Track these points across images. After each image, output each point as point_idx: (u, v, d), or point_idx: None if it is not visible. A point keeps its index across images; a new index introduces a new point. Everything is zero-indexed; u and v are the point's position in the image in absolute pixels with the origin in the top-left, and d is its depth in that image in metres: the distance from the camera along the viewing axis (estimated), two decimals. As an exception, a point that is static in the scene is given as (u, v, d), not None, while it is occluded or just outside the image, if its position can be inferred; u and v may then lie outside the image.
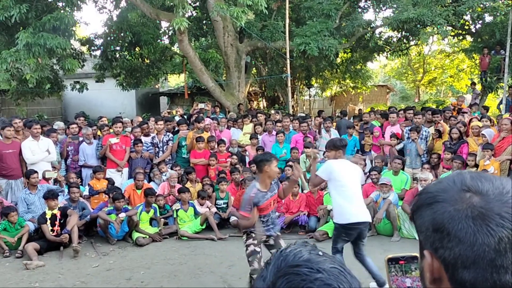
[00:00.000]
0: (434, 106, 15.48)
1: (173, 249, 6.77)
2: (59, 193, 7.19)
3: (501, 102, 14.13)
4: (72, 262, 6.22)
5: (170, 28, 14.38)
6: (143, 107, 20.56)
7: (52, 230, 6.61)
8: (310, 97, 24.37)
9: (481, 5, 13.68)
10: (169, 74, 20.39)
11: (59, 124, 9.54)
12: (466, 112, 10.17)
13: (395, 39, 17.53)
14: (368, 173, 8.01)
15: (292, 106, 15.90)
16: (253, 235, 4.52)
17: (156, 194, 7.58)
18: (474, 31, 16.33)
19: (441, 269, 0.78)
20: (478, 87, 15.50)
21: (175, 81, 29.40)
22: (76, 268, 5.99)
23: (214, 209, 7.71)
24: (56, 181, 7.81)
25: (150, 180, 8.40)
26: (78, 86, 15.00)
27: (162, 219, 7.53)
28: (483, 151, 7.13)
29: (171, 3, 10.86)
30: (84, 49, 15.53)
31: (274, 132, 9.33)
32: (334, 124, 10.56)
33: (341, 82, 22.17)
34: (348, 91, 23.66)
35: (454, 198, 0.78)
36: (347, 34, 14.19)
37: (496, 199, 0.76)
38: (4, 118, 8.53)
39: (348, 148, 9.30)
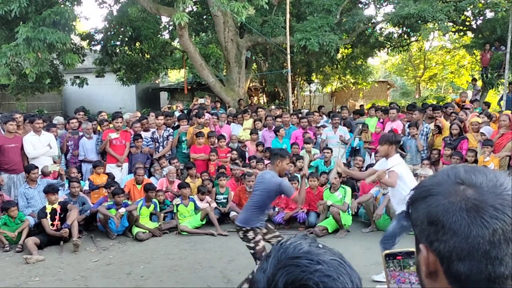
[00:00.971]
0: (434, 102, 15.47)
1: (173, 244, 6.79)
2: (60, 188, 7.21)
3: (501, 99, 14.13)
4: (72, 256, 6.24)
5: (171, 23, 14.35)
6: (143, 102, 20.54)
7: (52, 225, 6.63)
8: (310, 92, 24.34)
9: (482, 1, 13.66)
10: (169, 69, 20.38)
11: (59, 119, 9.55)
12: (468, 108, 10.18)
13: (395, 35, 17.50)
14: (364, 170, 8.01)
15: (293, 102, 15.87)
16: (258, 230, 4.50)
17: (156, 189, 7.59)
18: (475, 27, 16.30)
19: (437, 262, 0.78)
20: (479, 83, 15.49)
21: (176, 76, 29.36)
22: (76, 262, 6.01)
23: (214, 204, 7.73)
24: (56, 175, 7.83)
25: (150, 175, 8.41)
26: (78, 81, 14.98)
27: (162, 214, 7.54)
28: (483, 148, 7.13)
29: (171, -2, 10.84)
30: (84, 44, 15.49)
31: (273, 128, 9.33)
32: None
33: (342, 78, 22.12)
34: (349, 87, 23.61)
35: (448, 191, 0.79)
36: (348, 30, 14.17)
37: (489, 191, 0.76)
38: (7, 114, 8.52)
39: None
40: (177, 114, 10.85)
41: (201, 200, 7.70)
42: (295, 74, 19.19)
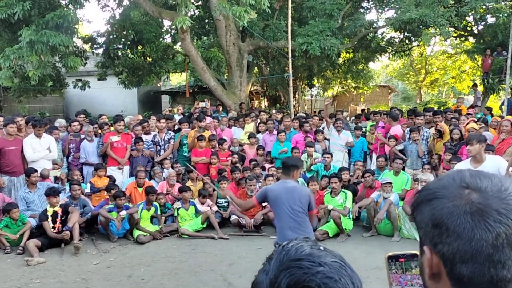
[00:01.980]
0: (435, 107, 15.47)
1: (173, 247, 6.79)
2: (61, 191, 7.22)
3: (503, 103, 14.12)
4: (73, 259, 6.25)
5: (173, 26, 14.39)
6: (145, 105, 20.59)
7: (54, 227, 6.64)
8: (311, 97, 24.37)
9: (484, 6, 13.67)
10: (171, 73, 20.40)
11: (60, 122, 9.56)
12: (470, 114, 10.18)
13: (397, 40, 17.52)
14: (363, 176, 8.03)
15: (294, 106, 15.89)
16: None
17: (157, 193, 7.60)
18: (476, 32, 16.31)
19: (440, 264, 0.80)
20: (480, 88, 15.49)
21: (177, 79, 29.42)
22: (77, 265, 6.02)
23: (215, 208, 7.74)
24: (57, 178, 7.84)
25: (150, 178, 8.42)
26: (80, 84, 15.02)
27: (163, 217, 7.55)
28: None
29: (174, 2, 10.88)
30: (86, 47, 15.55)
31: (275, 132, 9.34)
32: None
33: (343, 82, 22.16)
34: (350, 91, 23.65)
35: (453, 194, 0.80)
36: (349, 34, 14.19)
37: (494, 196, 0.77)
38: (9, 116, 8.53)
39: (356, 150, 9.35)
40: (177, 117, 10.87)
41: (202, 203, 7.70)
42: (297, 78, 19.22)
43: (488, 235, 0.74)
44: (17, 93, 13.54)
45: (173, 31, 16.13)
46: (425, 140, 8.45)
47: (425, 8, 12.16)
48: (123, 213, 7.03)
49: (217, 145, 8.90)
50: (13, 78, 11.92)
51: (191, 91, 17.33)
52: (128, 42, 15.34)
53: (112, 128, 8.70)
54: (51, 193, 6.69)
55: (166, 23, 15.84)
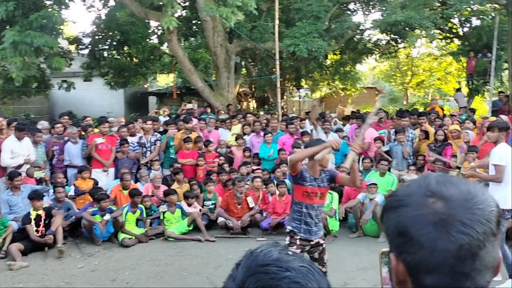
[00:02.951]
0: (422, 109, 15.62)
1: (159, 250, 6.73)
2: (44, 193, 7.11)
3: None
4: (56, 262, 6.16)
5: (159, 27, 14.33)
6: (131, 107, 20.43)
7: (37, 231, 6.53)
8: (299, 98, 24.44)
9: (469, 9, 13.84)
10: (158, 74, 20.33)
11: (43, 124, 9.42)
12: (454, 115, 10.31)
13: (384, 42, 17.67)
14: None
15: (282, 107, 15.91)
16: (297, 241, 4.13)
17: (143, 195, 7.54)
18: (461, 34, 16.53)
19: (405, 273, 0.79)
20: (464, 90, 15.68)
21: (164, 80, 29.26)
22: (60, 268, 5.93)
23: (204, 210, 7.69)
24: (41, 180, 7.71)
25: (136, 180, 8.35)
26: (65, 85, 14.87)
27: (149, 220, 7.48)
28: (468, 153, 7.20)
29: (160, 2, 10.82)
30: (71, 47, 15.41)
31: (262, 133, 9.33)
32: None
33: (331, 83, 22.27)
34: (338, 93, 23.76)
35: (418, 203, 0.79)
36: (336, 36, 14.27)
37: (459, 205, 0.76)
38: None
39: (340, 152, 9.33)
40: (162, 118, 10.80)
41: (189, 205, 7.65)
42: (284, 80, 19.25)
43: (451, 246, 0.74)
44: (0, 95, 13.35)
45: (159, 32, 16.07)
46: (410, 141, 8.52)
47: (411, 11, 12.27)
48: (107, 217, 6.95)
49: (203, 147, 8.86)
50: (-4, 79, 11.75)
51: (178, 92, 17.25)
52: (114, 43, 15.26)
53: (96, 130, 8.59)
54: (35, 196, 6.58)
55: (153, 24, 15.78)
